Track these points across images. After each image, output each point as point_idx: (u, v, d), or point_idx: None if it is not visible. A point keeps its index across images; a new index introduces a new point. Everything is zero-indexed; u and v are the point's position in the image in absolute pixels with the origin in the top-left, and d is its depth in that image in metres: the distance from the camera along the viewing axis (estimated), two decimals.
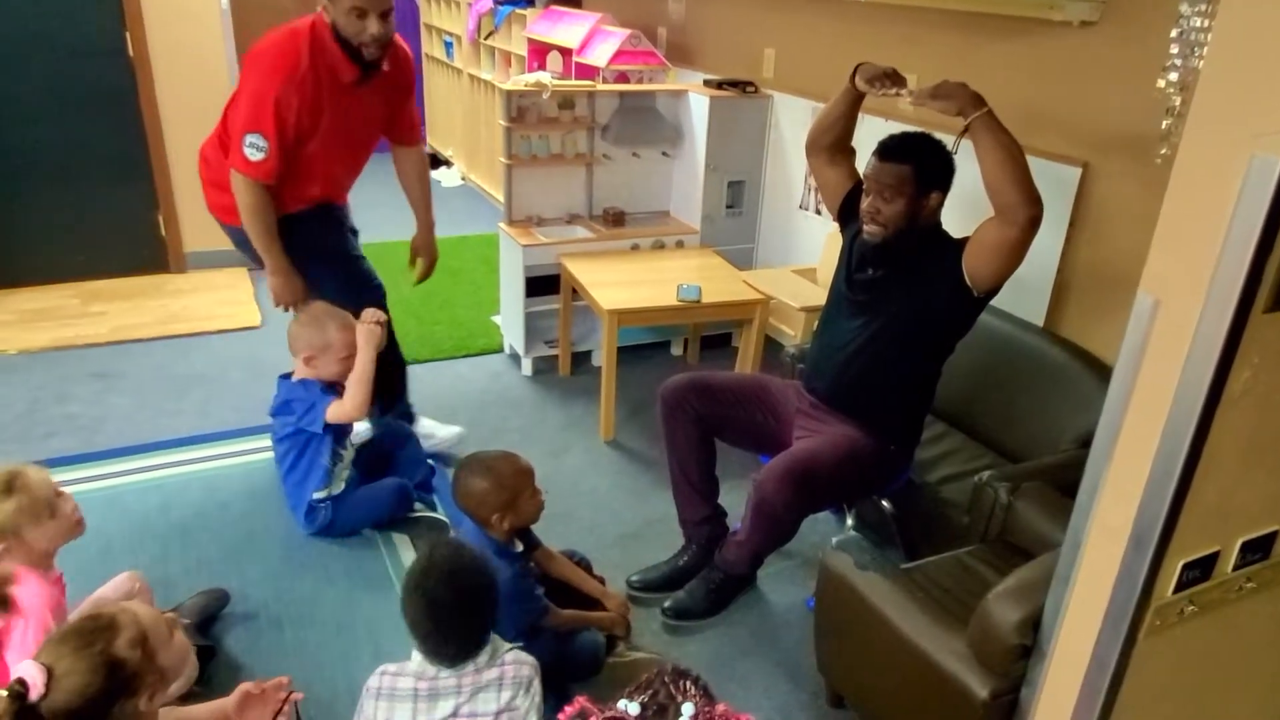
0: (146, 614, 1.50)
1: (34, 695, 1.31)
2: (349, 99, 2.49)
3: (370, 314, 2.54)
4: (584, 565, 2.38)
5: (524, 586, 2.03)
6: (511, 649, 1.68)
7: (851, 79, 2.20)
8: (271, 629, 2.28)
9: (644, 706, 0.99)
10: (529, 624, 2.05)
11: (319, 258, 2.64)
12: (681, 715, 0.98)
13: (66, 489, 1.90)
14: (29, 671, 1.33)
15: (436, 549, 1.67)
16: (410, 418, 3.05)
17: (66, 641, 1.39)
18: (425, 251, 2.95)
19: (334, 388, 2.57)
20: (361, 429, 2.75)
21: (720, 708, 1.01)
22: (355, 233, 2.88)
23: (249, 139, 2.37)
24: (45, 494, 1.80)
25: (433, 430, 3.06)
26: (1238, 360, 1.15)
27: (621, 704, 1.00)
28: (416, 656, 1.63)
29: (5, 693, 1.31)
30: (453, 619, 1.58)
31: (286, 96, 2.36)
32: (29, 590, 1.74)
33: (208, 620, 2.24)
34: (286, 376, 2.60)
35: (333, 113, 2.46)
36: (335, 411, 2.49)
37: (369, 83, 2.50)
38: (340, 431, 2.59)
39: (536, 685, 1.66)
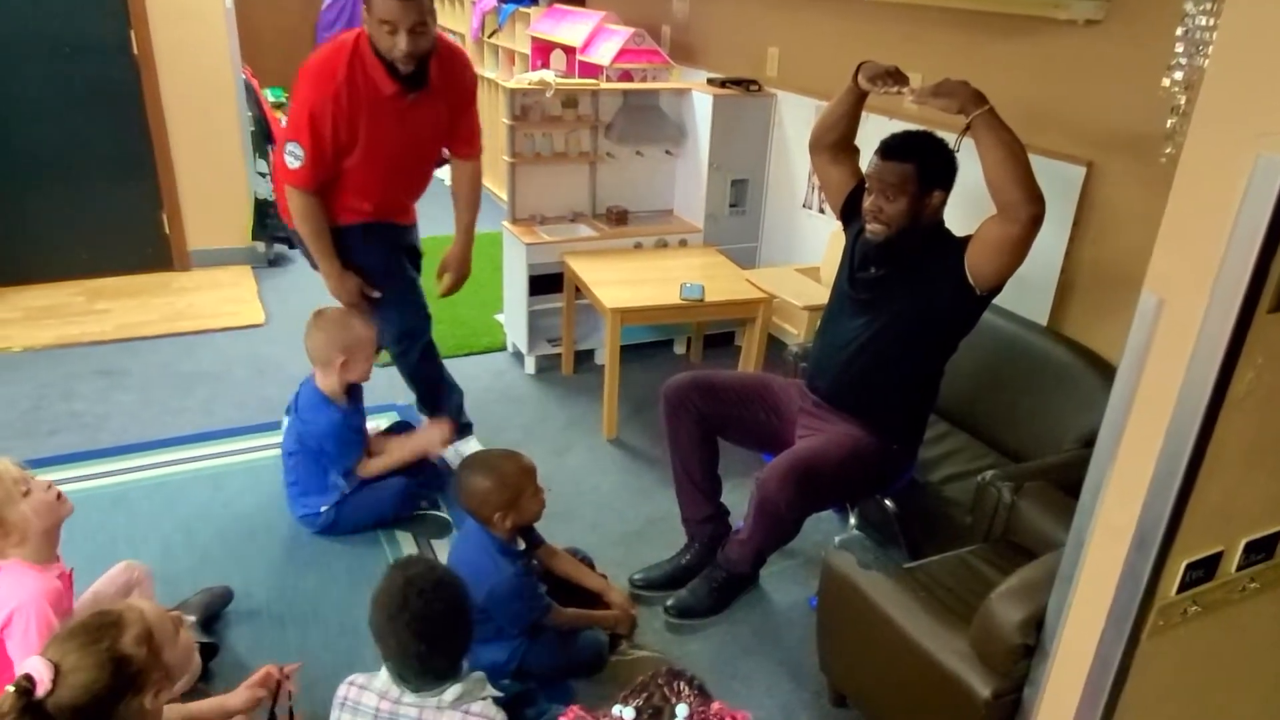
0: (152, 611, 1.51)
1: (40, 691, 1.32)
2: (392, 112, 2.45)
3: (442, 423, 2.75)
4: (586, 563, 2.39)
5: (526, 584, 2.03)
6: (484, 699, 1.62)
7: (854, 77, 2.20)
8: (274, 627, 2.29)
9: (639, 710, 0.99)
10: (531, 622, 2.05)
11: (366, 275, 2.64)
12: (676, 717, 0.98)
13: (72, 486, 1.89)
14: (36, 667, 1.34)
15: (410, 566, 1.63)
16: (466, 428, 3.04)
17: (73, 638, 1.39)
18: (455, 266, 2.90)
19: (353, 395, 2.61)
20: (369, 427, 2.76)
21: (715, 706, 1.01)
22: (419, 253, 2.87)
23: (288, 147, 2.44)
24: (15, 474, 1.75)
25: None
26: (1242, 360, 1.15)
27: (616, 709, 1.00)
28: (383, 672, 1.61)
29: (12, 689, 1.32)
30: (425, 638, 1.54)
31: (322, 109, 2.38)
32: (18, 582, 1.71)
33: (211, 617, 2.25)
34: (308, 380, 2.60)
35: (374, 126, 2.44)
36: (362, 469, 2.62)
37: (416, 95, 2.46)
38: None
39: None
